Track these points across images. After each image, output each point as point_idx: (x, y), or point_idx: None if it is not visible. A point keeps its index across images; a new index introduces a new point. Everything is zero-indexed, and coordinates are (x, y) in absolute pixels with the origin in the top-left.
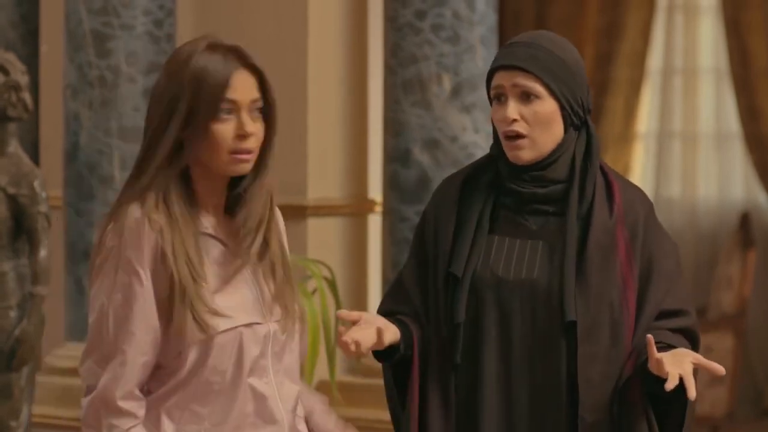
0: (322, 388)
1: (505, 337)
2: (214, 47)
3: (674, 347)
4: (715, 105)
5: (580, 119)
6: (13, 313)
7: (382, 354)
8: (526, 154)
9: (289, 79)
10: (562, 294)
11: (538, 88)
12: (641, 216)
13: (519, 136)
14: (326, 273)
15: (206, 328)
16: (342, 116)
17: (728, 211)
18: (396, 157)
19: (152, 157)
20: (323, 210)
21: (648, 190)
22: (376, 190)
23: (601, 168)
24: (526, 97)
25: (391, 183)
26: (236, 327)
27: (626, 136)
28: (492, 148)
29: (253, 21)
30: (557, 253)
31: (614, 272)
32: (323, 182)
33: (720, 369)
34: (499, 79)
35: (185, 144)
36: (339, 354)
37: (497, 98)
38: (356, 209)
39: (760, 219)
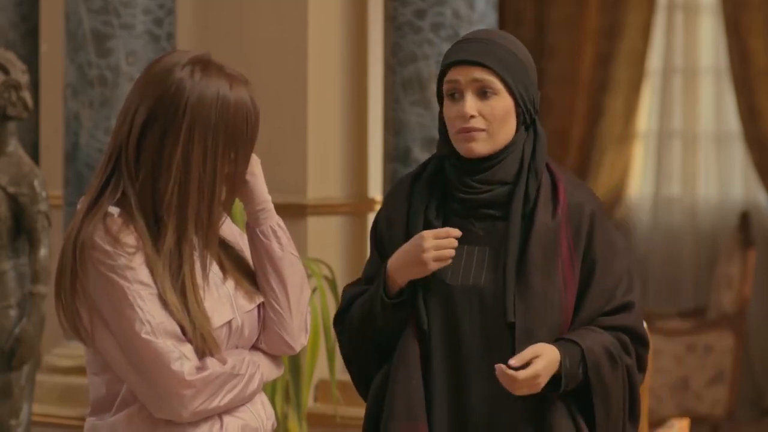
0: (322, 387)
1: (452, 344)
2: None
3: (574, 341)
4: (715, 105)
5: (530, 118)
6: (13, 312)
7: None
8: (480, 146)
9: (289, 79)
10: (503, 297)
11: (496, 83)
12: (587, 216)
13: (476, 130)
14: (326, 272)
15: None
16: (342, 115)
17: (728, 211)
18: (396, 156)
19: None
20: (323, 209)
21: (648, 190)
22: (376, 189)
23: (549, 168)
24: (483, 93)
25: (391, 182)
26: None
27: (626, 136)
28: (439, 148)
29: (253, 21)
30: (502, 258)
31: (556, 273)
32: (323, 182)
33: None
34: (455, 74)
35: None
36: (339, 353)
37: (451, 95)
38: (356, 208)
39: (760, 219)
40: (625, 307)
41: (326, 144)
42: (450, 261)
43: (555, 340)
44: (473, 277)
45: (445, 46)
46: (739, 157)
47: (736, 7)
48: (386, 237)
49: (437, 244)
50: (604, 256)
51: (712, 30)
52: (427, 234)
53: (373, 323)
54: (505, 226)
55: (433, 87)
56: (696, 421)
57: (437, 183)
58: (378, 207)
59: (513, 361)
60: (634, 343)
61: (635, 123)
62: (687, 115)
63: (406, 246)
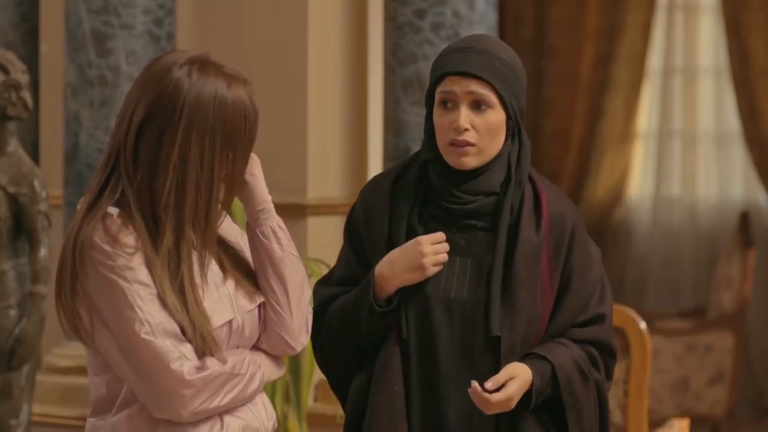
0: (322, 387)
1: (430, 354)
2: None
3: (545, 357)
4: (715, 105)
5: (517, 127)
6: (13, 312)
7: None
8: (471, 161)
9: (289, 79)
10: (487, 311)
11: (492, 97)
12: (568, 229)
13: (468, 144)
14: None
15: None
16: (342, 115)
17: (728, 211)
18: (396, 156)
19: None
20: (323, 209)
21: (648, 190)
22: None
23: (531, 178)
24: (477, 106)
25: None
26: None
27: (626, 136)
28: (425, 151)
29: (253, 21)
30: (485, 270)
31: (536, 287)
32: (323, 182)
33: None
34: (451, 84)
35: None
36: None
37: (444, 103)
38: None
39: (760, 219)
40: (597, 320)
41: (326, 144)
42: (442, 266)
43: (525, 355)
44: (455, 288)
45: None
46: (739, 157)
47: (736, 7)
48: (365, 237)
49: (435, 249)
50: (582, 266)
51: (712, 30)
52: (424, 239)
53: (357, 327)
54: (488, 238)
55: None
56: (696, 421)
57: (420, 187)
58: None
59: (488, 384)
60: (604, 356)
61: (635, 123)
62: (687, 115)
63: (400, 251)
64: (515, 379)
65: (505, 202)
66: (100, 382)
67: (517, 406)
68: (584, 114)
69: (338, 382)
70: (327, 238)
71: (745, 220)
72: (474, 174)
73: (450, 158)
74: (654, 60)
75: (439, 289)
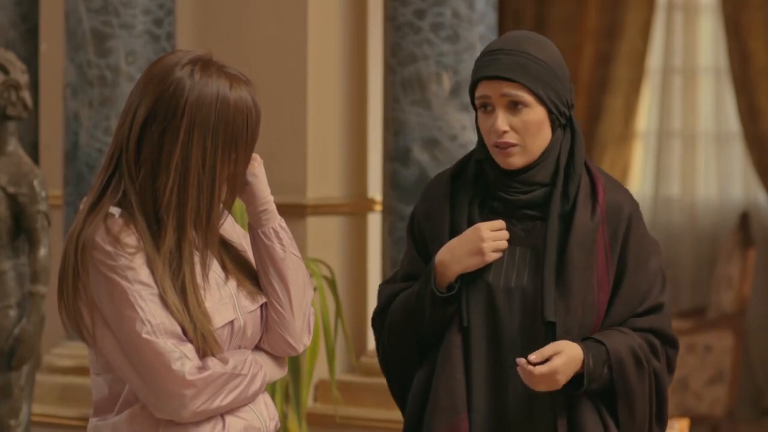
0: (322, 387)
1: (493, 342)
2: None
3: (599, 341)
4: (715, 105)
5: (565, 118)
6: (12, 312)
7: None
8: (517, 160)
9: (289, 79)
10: (543, 295)
11: (526, 97)
12: (624, 217)
13: (510, 145)
14: (326, 272)
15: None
16: (342, 115)
17: (728, 210)
18: (396, 156)
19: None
20: (323, 209)
21: (648, 189)
22: (375, 189)
23: (587, 167)
24: (514, 106)
25: (390, 182)
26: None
27: (626, 136)
28: (477, 152)
29: (253, 21)
30: (542, 258)
31: (591, 273)
32: (323, 181)
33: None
34: (485, 89)
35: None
36: (338, 353)
37: (483, 107)
38: (356, 208)
39: (760, 219)
40: (656, 309)
41: (326, 144)
42: (502, 254)
43: (582, 340)
44: (516, 277)
45: (445, 46)
46: (738, 157)
47: (736, 7)
48: (428, 232)
49: (494, 236)
50: (638, 257)
51: (712, 30)
52: (484, 225)
53: (420, 318)
54: (545, 227)
55: (433, 87)
56: (696, 421)
57: (480, 182)
58: (378, 207)
59: (533, 357)
60: (664, 346)
61: (635, 122)
62: (686, 114)
63: (460, 239)
64: (561, 354)
65: (554, 191)
66: (102, 382)
67: (570, 388)
68: (584, 113)
69: (397, 381)
70: (327, 238)
71: (744, 220)
72: (526, 169)
73: (498, 159)
74: (654, 60)
75: (501, 278)
